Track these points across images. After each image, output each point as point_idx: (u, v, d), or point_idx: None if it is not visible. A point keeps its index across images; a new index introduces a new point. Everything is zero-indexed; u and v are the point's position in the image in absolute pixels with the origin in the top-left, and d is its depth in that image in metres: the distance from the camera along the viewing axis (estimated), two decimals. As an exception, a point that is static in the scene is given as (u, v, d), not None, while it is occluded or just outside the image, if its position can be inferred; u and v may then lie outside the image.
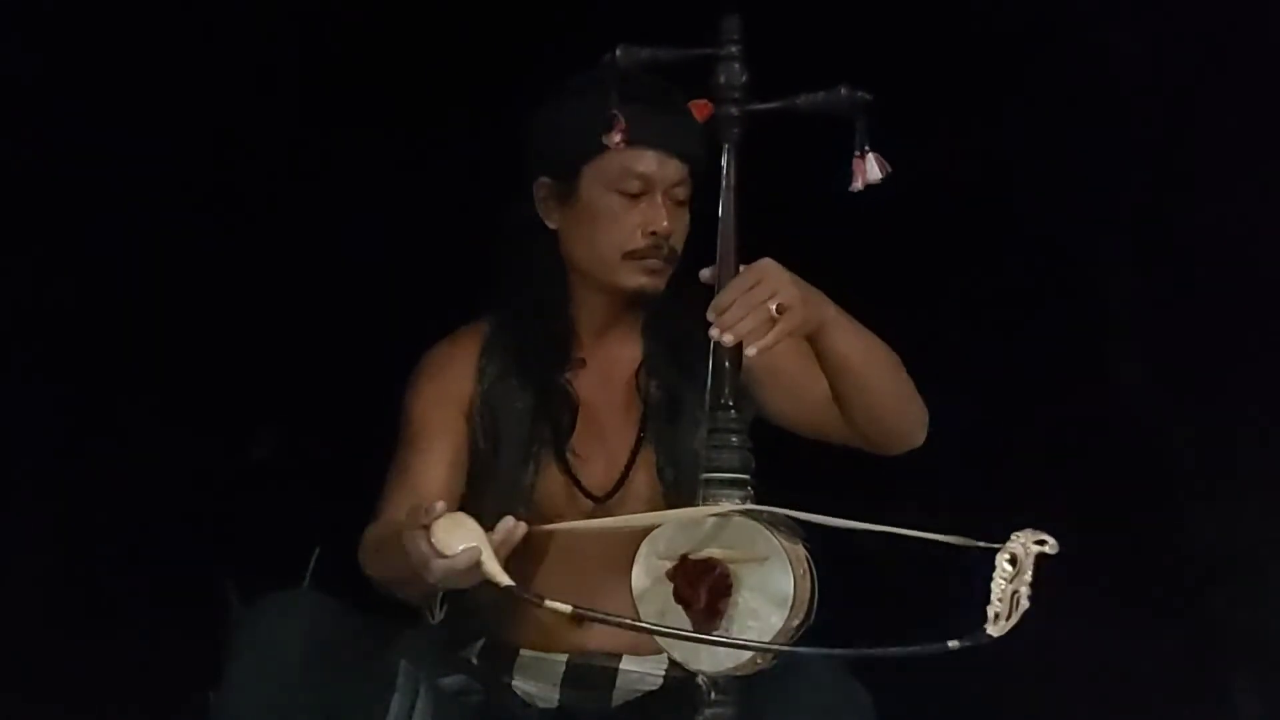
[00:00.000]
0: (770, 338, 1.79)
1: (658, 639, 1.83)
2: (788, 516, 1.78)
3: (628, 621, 1.74)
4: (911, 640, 1.60)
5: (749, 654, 1.76)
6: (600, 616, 1.71)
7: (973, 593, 1.58)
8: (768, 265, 1.83)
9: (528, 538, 2.05)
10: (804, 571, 1.77)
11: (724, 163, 1.86)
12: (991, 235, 2.79)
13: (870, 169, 1.86)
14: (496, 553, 1.71)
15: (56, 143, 2.72)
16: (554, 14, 2.67)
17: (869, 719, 1.99)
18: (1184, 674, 2.75)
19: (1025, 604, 1.56)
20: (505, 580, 1.69)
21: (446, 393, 2.12)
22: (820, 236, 2.52)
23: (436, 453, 2.08)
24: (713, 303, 1.82)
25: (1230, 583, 2.79)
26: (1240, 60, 2.70)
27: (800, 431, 2.13)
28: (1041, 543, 1.58)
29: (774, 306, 1.79)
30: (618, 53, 1.85)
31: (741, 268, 1.85)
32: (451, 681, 2.07)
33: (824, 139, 1.86)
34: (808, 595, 1.77)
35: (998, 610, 1.56)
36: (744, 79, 1.86)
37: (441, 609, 2.14)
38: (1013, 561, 1.58)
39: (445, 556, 1.69)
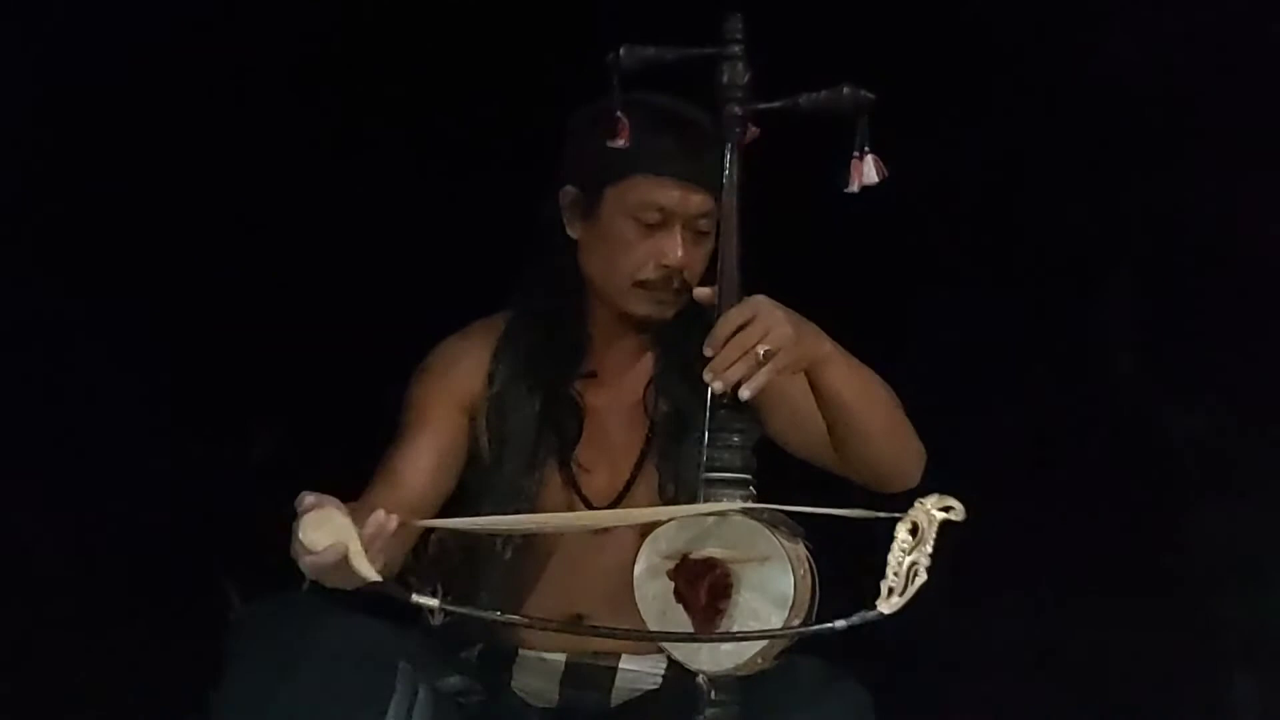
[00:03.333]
0: (758, 381, 1.79)
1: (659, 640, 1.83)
2: (788, 516, 1.78)
3: (500, 616, 1.80)
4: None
5: (750, 654, 1.76)
6: (467, 612, 1.79)
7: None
8: (760, 303, 1.82)
9: (529, 541, 2.08)
10: (804, 572, 1.77)
11: (726, 162, 1.86)
12: (991, 234, 2.79)
13: (868, 171, 1.86)
14: (367, 547, 1.68)
15: (54, 140, 2.71)
16: (558, 13, 2.67)
17: (868, 718, 1.99)
18: (1184, 674, 2.75)
19: (923, 576, 1.50)
20: (373, 576, 1.66)
21: (451, 388, 2.11)
22: (822, 234, 2.54)
23: (426, 446, 2.07)
24: (707, 339, 1.82)
25: (1230, 583, 2.79)
26: (1240, 60, 2.70)
27: (801, 457, 2.12)
28: (947, 509, 1.52)
29: (762, 351, 1.79)
30: (621, 52, 1.85)
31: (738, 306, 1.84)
32: (451, 682, 2.07)
33: (828, 138, 1.86)
34: (808, 595, 1.77)
35: (892, 584, 1.50)
36: (747, 78, 1.85)
37: (442, 610, 2.14)
38: (914, 531, 1.51)
39: (310, 553, 1.68)
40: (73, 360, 2.74)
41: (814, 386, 1.93)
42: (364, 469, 2.11)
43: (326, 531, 1.67)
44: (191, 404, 2.79)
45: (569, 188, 2.09)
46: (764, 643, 1.76)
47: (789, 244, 1.94)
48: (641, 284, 2.04)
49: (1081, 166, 2.79)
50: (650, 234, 2.03)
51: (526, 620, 1.91)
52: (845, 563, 1.79)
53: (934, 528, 1.51)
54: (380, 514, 1.73)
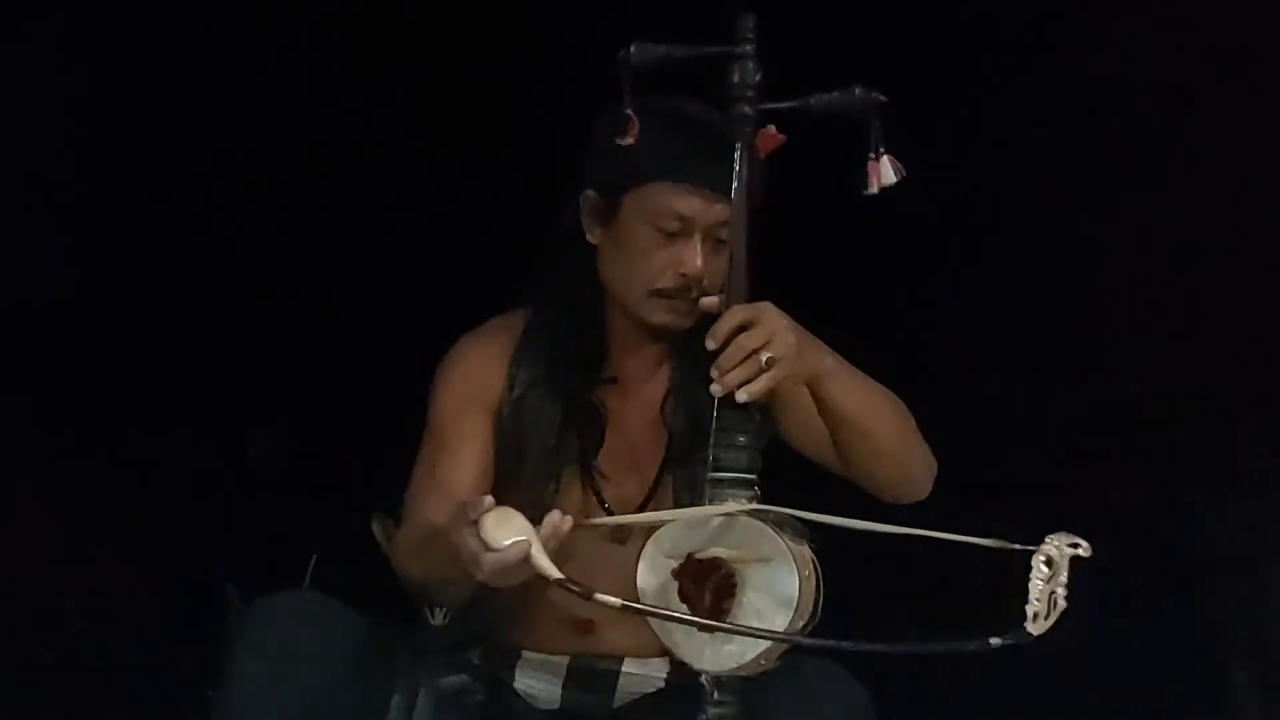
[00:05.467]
0: (759, 386, 1.78)
1: (662, 639, 1.82)
2: (794, 517, 1.78)
3: (670, 614, 1.74)
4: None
5: (753, 654, 1.76)
6: (651, 610, 1.73)
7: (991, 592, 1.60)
8: (765, 310, 1.81)
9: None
10: (809, 573, 1.77)
11: (736, 162, 1.85)
12: (993, 236, 2.80)
13: (885, 172, 1.84)
14: (544, 546, 1.70)
15: (55, 138, 2.71)
16: (569, 12, 2.66)
17: (868, 719, 1.99)
18: (1184, 674, 2.76)
19: (1062, 604, 1.61)
20: (555, 573, 1.69)
21: (476, 392, 2.09)
22: (829, 234, 2.53)
23: (466, 454, 2.06)
24: (710, 331, 1.81)
25: (1230, 583, 2.79)
26: (1240, 60, 2.70)
27: (812, 458, 2.11)
28: (1075, 546, 1.62)
29: (764, 358, 1.78)
30: (632, 50, 1.83)
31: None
32: (452, 682, 2.07)
33: (838, 139, 1.85)
34: (812, 596, 1.77)
35: (1036, 610, 1.61)
36: (758, 78, 1.83)
37: (443, 610, 2.14)
38: (1048, 563, 1.62)
39: (494, 550, 1.69)
40: (73, 359, 2.74)
41: (817, 400, 1.92)
42: (363, 468, 2.11)
43: (509, 529, 1.71)
44: (192, 405, 2.79)
45: (589, 192, 2.05)
46: (766, 642, 1.76)
47: (798, 245, 1.94)
48: (659, 293, 2.01)
49: (1084, 167, 2.79)
50: (669, 242, 1.99)
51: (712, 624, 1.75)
52: (848, 565, 1.80)
53: (1065, 561, 1.62)
54: (556, 514, 1.74)
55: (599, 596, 1.66)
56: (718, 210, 1.95)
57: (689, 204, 1.97)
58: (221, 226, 2.80)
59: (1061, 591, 1.61)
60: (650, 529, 1.82)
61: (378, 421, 2.15)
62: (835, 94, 1.84)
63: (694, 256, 1.98)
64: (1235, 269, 2.75)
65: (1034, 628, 1.61)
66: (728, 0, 1.84)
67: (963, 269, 2.80)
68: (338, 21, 2.77)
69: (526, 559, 1.69)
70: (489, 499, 1.73)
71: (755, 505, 1.78)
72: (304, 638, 1.91)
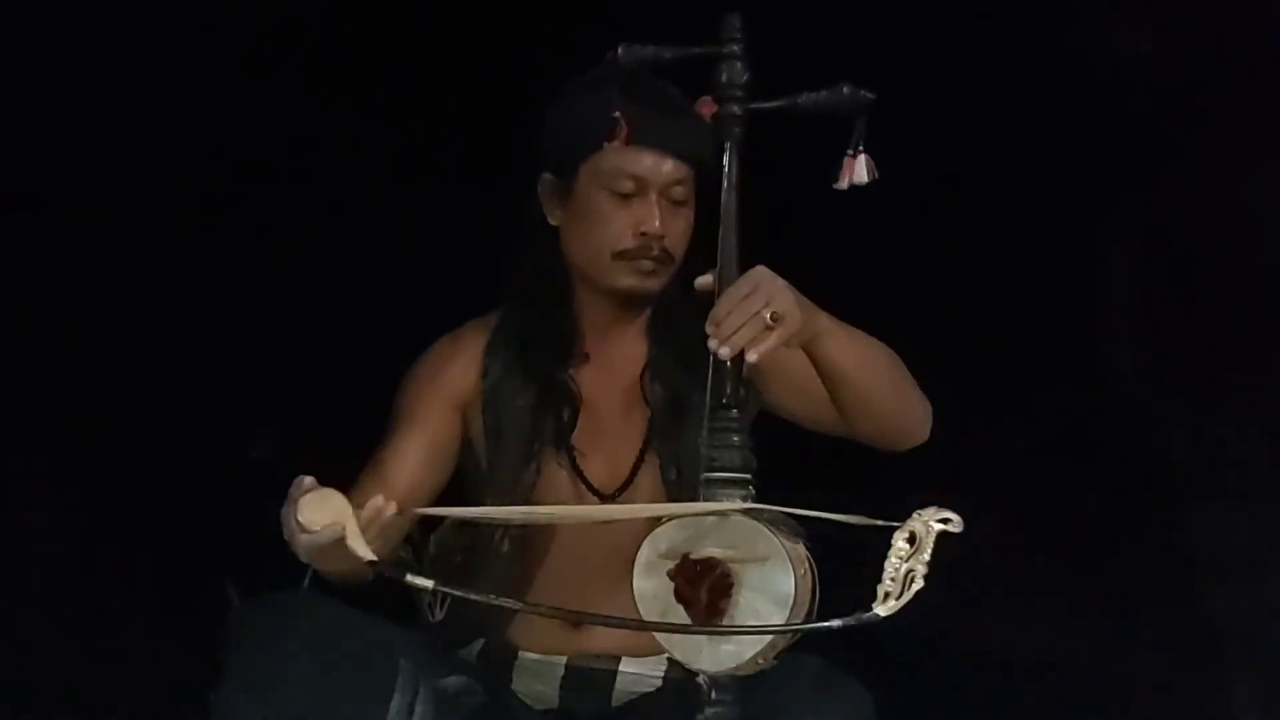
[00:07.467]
0: (769, 344, 1.78)
1: (659, 639, 1.83)
2: (789, 516, 1.78)
3: (503, 602, 1.80)
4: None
5: (751, 654, 1.76)
6: (461, 593, 1.83)
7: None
8: (761, 273, 1.82)
9: (526, 536, 2.08)
10: (805, 571, 1.77)
11: (725, 161, 1.86)
12: (992, 233, 2.80)
13: (859, 170, 1.86)
14: (364, 530, 1.71)
15: (54, 139, 2.72)
16: (557, 11, 2.67)
17: (868, 719, 1.99)
18: (1184, 674, 2.75)
19: (919, 584, 1.54)
20: (369, 555, 1.69)
21: (441, 386, 2.13)
22: (821, 233, 2.53)
23: (414, 444, 2.09)
24: (710, 315, 1.81)
25: (1230, 583, 2.79)
26: (1241, 59, 2.70)
27: (803, 424, 2.13)
28: (945, 520, 1.55)
29: (769, 315, 1.78)
30: (619, 51, 1.85)
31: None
32: (451, 682, 2.07)
33: (827, 137, 1.86)
34: (809, 595, 1.77)
35: (889, 589, 1.54)
36: (746, 77, 1.85)
37: (442, 609, 2.15)
38: (911, 540, 1.55)
39: (308, 532, 1.70)
40: (73, 359, 2.74)
41: (814, 360, 1.93)
42: (361, 470, 2.11)
43: (325, 511, 1.71)
44: (192, 404, 2.79)
45: (546, 175, 2.10)
46: (764, 643, 1.76)
47: (787, 242, 1.94)
48: (621, 254, 2.05)
49: (1083, 165, 2.79)
50: (626, 204, 2.04)
51: (521, 605, 1.94)
52: (847, 565, 1.80)
53: (931, 538, 1.55)
54: (378, 499, 1.77)
55: (411, 579, 1.66)
56: (670, 168, 2.03)
57: (640, 163, 2.03)
58: (222, 226, 2.80)
59: (921, 570, 1.53)
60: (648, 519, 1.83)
61: (378, 421, 2.15)
62: (824, 92, 1.86)
63: (652, 215, 2.03)
64: (1236, 268, 2.74)
65: (882, 608, 1.55)
66: (714, 0, 1.85)
67: (960, 268, 2.79)
68: (333, 20, 2.77)
69: (341, 541, 1.69)
70: (309, 479, 1.75)
71: (750, 504, 1.79)
72: (303, 638, 1.92)
